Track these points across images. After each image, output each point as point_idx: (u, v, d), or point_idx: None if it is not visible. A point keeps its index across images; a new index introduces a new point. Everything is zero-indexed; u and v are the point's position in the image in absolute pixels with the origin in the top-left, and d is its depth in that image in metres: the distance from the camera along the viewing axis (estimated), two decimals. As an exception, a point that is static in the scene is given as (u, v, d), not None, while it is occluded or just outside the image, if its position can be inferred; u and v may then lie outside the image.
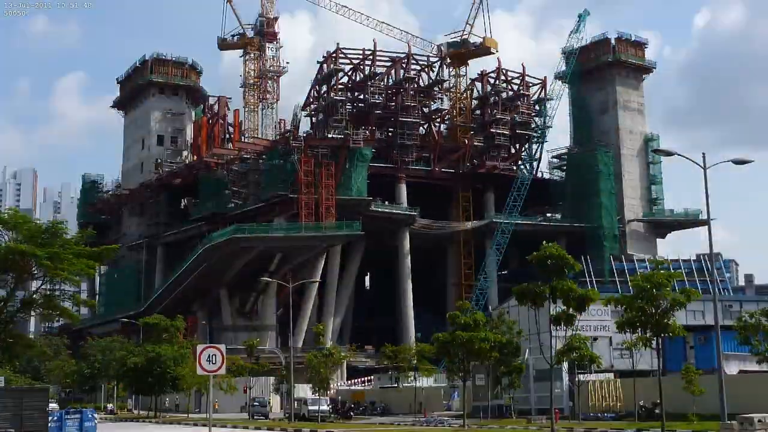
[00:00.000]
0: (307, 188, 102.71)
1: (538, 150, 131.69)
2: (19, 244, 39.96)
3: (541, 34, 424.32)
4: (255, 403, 69.94)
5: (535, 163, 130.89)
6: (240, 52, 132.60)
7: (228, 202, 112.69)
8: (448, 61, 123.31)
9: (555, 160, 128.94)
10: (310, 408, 61.12)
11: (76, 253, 41.16)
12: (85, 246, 47.77)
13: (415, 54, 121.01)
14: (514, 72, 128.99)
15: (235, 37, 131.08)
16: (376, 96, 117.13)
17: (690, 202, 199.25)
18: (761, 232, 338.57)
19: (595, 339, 62.44)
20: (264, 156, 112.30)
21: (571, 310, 37.08)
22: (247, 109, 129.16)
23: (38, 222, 49.07)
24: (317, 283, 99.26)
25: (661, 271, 36.95)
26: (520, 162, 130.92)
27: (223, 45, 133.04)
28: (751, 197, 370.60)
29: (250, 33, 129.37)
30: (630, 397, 49.87)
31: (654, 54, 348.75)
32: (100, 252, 47.38)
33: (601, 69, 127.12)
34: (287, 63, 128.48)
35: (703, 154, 33.45)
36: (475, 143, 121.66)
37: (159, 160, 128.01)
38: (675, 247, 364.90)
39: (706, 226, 36.55)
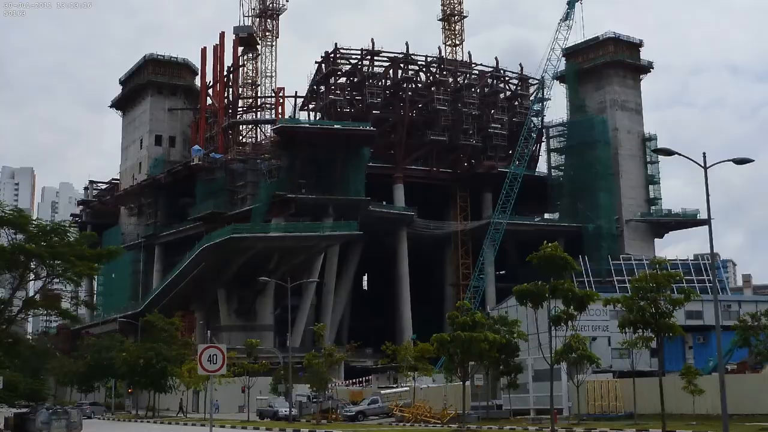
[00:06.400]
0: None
1: (536, 150, 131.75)
2: (24, 243, 39.86)
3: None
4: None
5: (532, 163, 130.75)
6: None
7: (226, 201, 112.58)
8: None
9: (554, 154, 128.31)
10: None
11: (80, 254, 41.06)
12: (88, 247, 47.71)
13: (413, 54, 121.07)
14: (512, 72, 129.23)
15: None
16: (375, 96, 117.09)
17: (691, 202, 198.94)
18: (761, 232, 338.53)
19: (594, 339, 62.60)
20: (262, 156, 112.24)
21: (571, 309, 37.17)
22: (245, 107, 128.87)
23: (44, 222, 48.94)
24: (315, 283, 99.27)
25: (663, 271, 37.01)
26: (517, 161, 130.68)
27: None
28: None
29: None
30: (629, 397, 49.88)
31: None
32: (106, 253, 47.29)
33: (599, 69, 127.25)
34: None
35: (704, 153, 31.65)
36: (473, 143, 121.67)
37: (163, 158, 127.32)
38: (672, 246, 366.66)
39: (703, 226, 36.32)
